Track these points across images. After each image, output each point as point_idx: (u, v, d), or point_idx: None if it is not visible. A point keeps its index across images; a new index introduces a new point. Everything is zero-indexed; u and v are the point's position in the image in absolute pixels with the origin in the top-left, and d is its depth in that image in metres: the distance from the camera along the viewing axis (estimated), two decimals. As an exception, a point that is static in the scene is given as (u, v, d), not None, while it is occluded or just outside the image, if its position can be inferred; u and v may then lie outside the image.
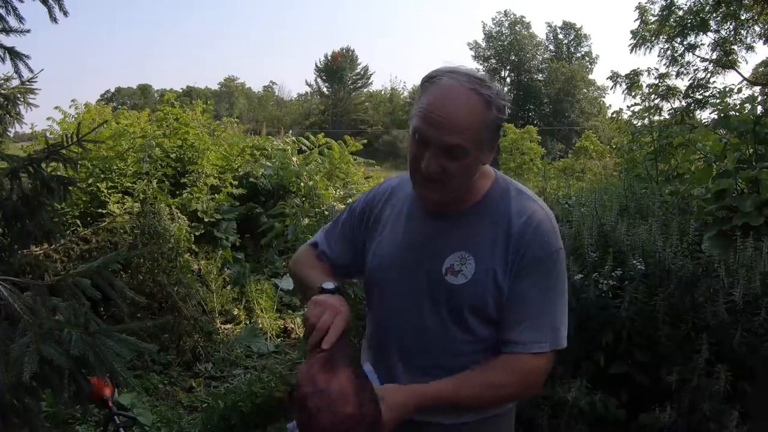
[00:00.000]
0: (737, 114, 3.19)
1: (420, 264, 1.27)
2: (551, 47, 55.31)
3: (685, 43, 16.03)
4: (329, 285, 1.25)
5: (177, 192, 5.92)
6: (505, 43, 53.09)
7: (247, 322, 5.02)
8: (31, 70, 2.22)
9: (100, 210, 4.90)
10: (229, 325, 4.92)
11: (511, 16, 53.35)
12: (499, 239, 1.22)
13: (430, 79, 1.17)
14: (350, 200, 5.81)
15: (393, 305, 1.31)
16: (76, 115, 6.45)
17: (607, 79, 15.87)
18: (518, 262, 1.20)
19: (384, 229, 1.35)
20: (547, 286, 1.22)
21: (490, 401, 1.24)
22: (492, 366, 1.22)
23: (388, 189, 1.40)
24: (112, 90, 65.77)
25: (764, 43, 15.98)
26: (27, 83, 2.28)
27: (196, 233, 5.29)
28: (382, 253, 1.33)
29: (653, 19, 16.14)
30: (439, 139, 1.14)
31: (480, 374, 1.21)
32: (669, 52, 16.29)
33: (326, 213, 3.77)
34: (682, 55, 16.27)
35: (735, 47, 15.70)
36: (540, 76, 53.31)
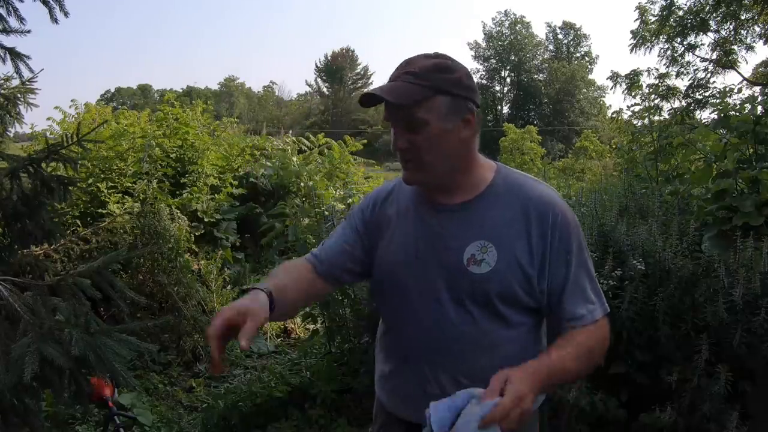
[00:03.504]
0: (737, 114, 3.19)
1: (435, 259, 1.26)
2: (551, 47, 55.28)
3: (685, 43, 16.05)
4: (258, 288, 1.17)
5: (177, 192, 5.92)
6: (505, 43, 53.04)
7: (247, 322, 5.01)
8: (31, 70, 2.23)
9: (100, 210, 4.89)
10: (229, 325, 4.91)
11: (511, 16, 53.41)
12: (516, 223, 1.23)
13: None
14: (350, 200, 5.82)
15: (411, 305, 1.28)
16: (76, 115, 6.46)
17: (607, 79, 15.89)
18: (549, 246, 1.23)
19: (391, 229, 1.34)
20: (580, 259, 1.26)
21: (586, 368, 1.25)
22: (575, 336, 1.22)
23: (390, 188, 1.40)
24: (112, 90, 65.90)
25: (764, 43, 16.01)
26: (27, 83, 2.29)
27: (196, 233, 5.29)
28: (393, 252, 1.31)
29: (653, 19, 16.15)
30: (394, 112, 1.20)
31: (572, 342, 1.21)
32: (669, 52, 16.33)
33: (326, 213, 3.77)
34: (682, 55, 16.30)
35: (735, 47, 15.72)
36: (540, 76, 53.27)
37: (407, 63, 1.22)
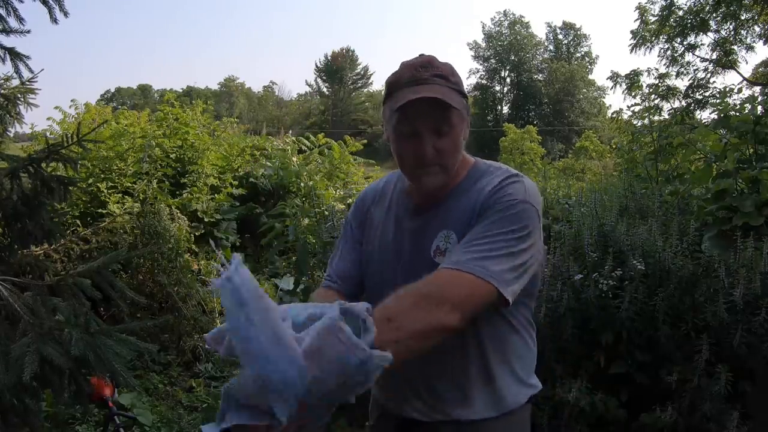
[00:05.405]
0: (737, 114, 3.19)
1: (413, 260, 1.26)
2: (551, 47, 55.27)
3: (685, 43, 16.08)
4: None
5: (177, 192, 5.91)
6: (505, 43, 53.04)
7: (247, 322, 5.01)
8: (31, 71, 2.23)
9: (100, 210, 4.89)
10: (229, 325, 4.91)
11: (510, 16, 53.41)
12: (476, 210, 1.20)
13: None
14: (350, 200, 5.82)
15: None
16: (76, 115, 6.46)
17: (607, 79, 15.93)
18: (477, 214, 1.18)
19: (376, 233, 1.36)
20: (493, 225, 1.14)
21: (418, 311, 1.02)
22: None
23: (378, 189, 1.42)
24: (112, 90, 65.95)
25: (764, 43, 16.03)
26: (27, 83, 2.29)
27: (196, 233, 5.29)
28: (375, 256, 1.34)
29: (653, 19, 16.18)
30: (426, 118, 1.18)
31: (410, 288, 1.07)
32: (669, 52, 16.37)
33: (326, 213, 3.77)
34: (682, 55, 16.33)
35: (735, 47, 15.75)
36: (540, 76, 53.24)
37: (428, 64, 1.21)
